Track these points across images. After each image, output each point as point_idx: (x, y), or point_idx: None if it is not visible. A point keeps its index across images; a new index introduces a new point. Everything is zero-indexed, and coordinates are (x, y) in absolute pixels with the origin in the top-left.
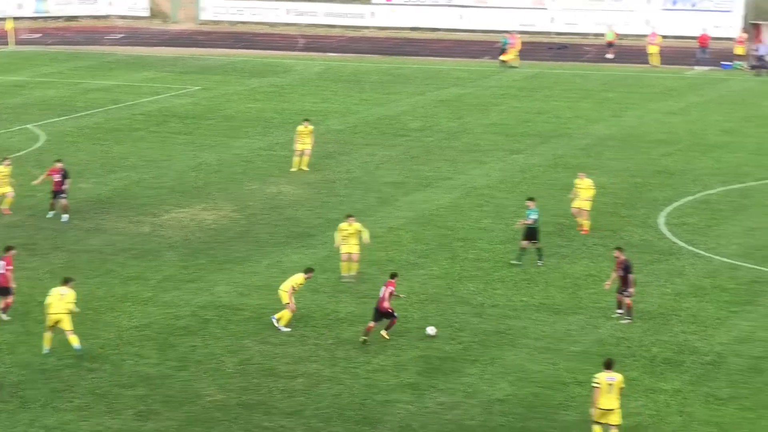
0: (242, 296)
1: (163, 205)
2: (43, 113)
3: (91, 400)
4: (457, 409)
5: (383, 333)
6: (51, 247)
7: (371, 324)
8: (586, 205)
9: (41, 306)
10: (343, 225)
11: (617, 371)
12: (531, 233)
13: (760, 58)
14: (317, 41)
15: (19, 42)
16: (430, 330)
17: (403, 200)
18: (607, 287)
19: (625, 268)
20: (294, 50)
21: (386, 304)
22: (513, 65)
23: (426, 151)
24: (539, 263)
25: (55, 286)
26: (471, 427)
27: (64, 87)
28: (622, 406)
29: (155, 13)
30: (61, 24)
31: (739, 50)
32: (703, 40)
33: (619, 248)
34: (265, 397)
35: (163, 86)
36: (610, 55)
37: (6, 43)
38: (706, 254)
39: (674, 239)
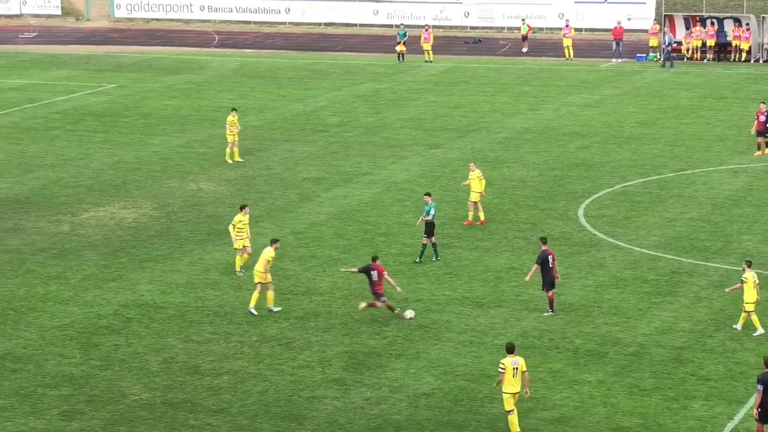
0: (164, 294)
1: (81, 204)
2: None
3: (15, 401)
4: (384, 404)
5: (361, 305)
6: None
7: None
8: (474, 197)
9: None
10: (239, 216)
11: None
12: (430, 228)
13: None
14: (232, 37)
15: None
16: (409, 313)
17: (324, 196)
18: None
19: (541, 260)
20: (209, 47)
21: (381, 287)
22: (428, 60)
23: (345, 147)
24: (436, 260)
25: None
26: (397, 421)
27: None
28: (546, 398)
29: (68, 11)
30: None
31: (653, 42)
32: (617, 33)
33: (542, 239)
34: (191, 395)
35: (78, 84)
36: (525, 49)
37: None
38: (626, 246)
39: (594, 231)
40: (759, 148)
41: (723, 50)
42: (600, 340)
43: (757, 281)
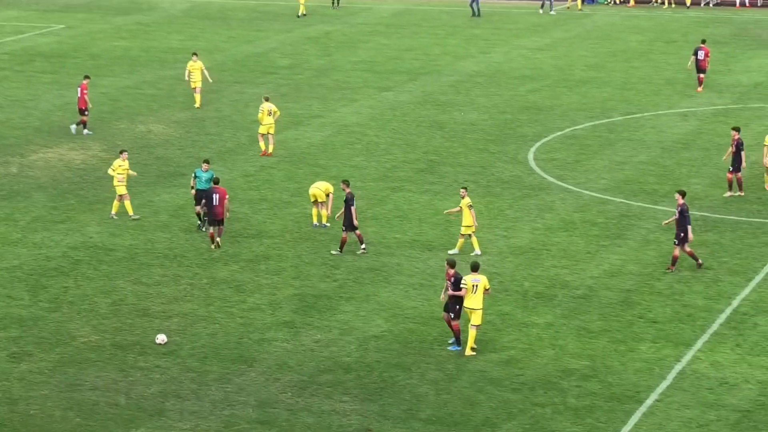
0: (114, 236)
1: (30, 145)
2: None
3: None
4: (334, 346)
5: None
6: None
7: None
8: (262, 129)
9: None
10: (119, 161)
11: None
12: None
13: None
14: None
15: None
16: (160, 338)
17: (275, 139)
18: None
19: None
20: None
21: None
22: (301, 14)
23: (296, 89)
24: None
25: None
26: (347, 363)
27: None
28: (495, 340)
29: None
30: None
31: None
32: None
33: (345, 180)
34: (140, 337)
35: (26, 25)
36: None
37: None
38: (576, 189)
39: (544, 175)
40: None
41: None
42: (549, 283)
43: (471, 204)
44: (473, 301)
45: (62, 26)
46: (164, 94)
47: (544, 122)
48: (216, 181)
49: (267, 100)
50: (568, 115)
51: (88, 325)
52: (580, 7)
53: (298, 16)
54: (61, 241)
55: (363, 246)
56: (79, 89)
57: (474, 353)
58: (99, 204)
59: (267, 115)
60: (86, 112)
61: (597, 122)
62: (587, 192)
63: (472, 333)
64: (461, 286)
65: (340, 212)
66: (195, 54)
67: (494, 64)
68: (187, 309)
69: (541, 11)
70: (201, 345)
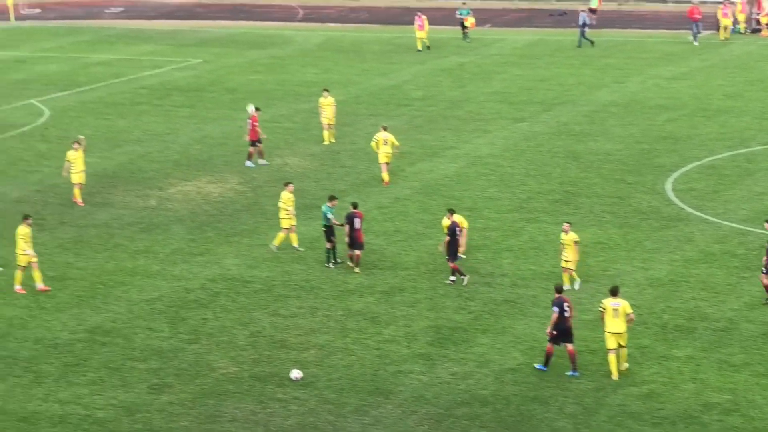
0: (251, 268)
1: (168, 179)
2: (46, 88)
3: (105, 374)
4: (470, 379)
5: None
6: (58, 222)
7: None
8: (383, 159)
9: (51, 281)
10: (286, 194)
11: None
12: (331, 232)
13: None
14: (317, 11)
15: (18, 17)
16: (295, 374)
17: (409, 170)
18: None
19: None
20: (293, 21)
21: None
22: (420, 49)
23: (429, 121)
24: (329, 265)
25: (65, 260)
26: (484, 396)
27: (65, 62)
28: (634, 373)
29: None
30: None
31: (740, 15)
32: (691, 14)
33: (450, 210)
34: (278, 368)
35: (163, 59)
36: (592, 21)
37: (6, 19)
38: (715, 220)
39: (682, 205)
40: None
41: None
42: (688, 316)
43: (577, 240)
44: (615, 325)
45: (198, 60)
46: (299, 128)
47: (681, 152)
48: (355, 205)
49: (385, 129)
50: (706, 145)
51: (227, 356)
52: (728, 36)
53: (428, 48)
54: (199, 274)
55: (453, 278)
56: (249, 121)
57: (619, 375)
58: (236, 236)
59: (383, 144)
60: (259, 143)
61: (736, 152)
62: (727, 223)
63: (623, 352)
64: (599, 308)
65: (446, 241)
66: (326, 90)
67: (629, 93)
68: (323, 341)
69: (696, 42)
70: (338, 377)
